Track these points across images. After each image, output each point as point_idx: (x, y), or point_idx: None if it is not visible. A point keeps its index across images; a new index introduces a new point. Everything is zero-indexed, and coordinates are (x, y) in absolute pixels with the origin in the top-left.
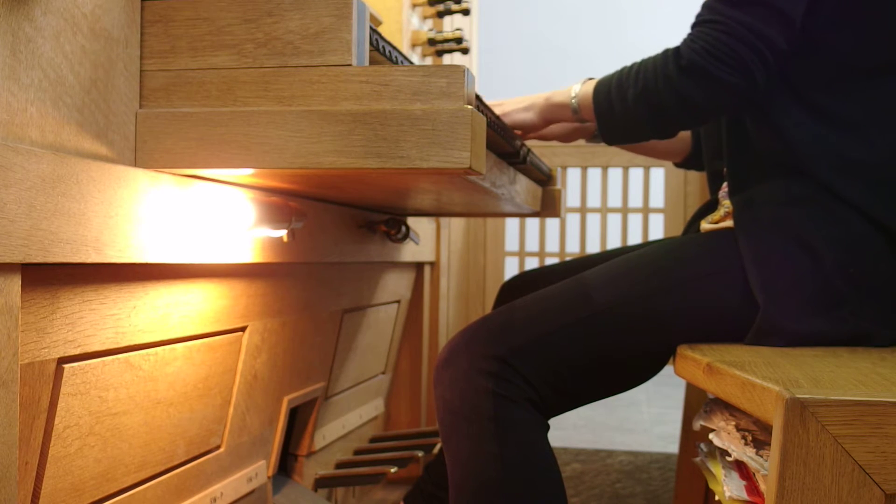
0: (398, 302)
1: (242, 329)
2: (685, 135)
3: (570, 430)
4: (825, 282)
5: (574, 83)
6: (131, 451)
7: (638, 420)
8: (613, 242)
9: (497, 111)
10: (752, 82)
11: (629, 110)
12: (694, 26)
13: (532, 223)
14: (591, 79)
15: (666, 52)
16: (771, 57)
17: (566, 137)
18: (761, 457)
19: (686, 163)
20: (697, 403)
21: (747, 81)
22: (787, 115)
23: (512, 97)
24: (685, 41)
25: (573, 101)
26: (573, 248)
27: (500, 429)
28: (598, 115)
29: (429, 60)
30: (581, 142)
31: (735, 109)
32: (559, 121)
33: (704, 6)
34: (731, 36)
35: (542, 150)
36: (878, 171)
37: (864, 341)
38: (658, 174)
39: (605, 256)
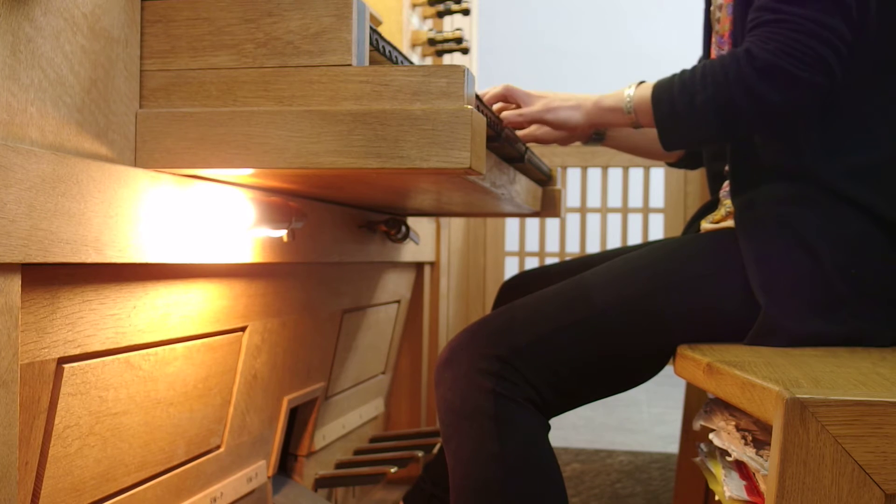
0: (398, 302)
1: (242, 329)
2: None
3: (570, 430)
4: (826, 283)
5: (625, 87)
6: (131, 451)
7: (638, 420)
8: (613, 242)
9: (541, 104)
10: (832, 78)
11: (697, 114)
12: (755, 28)
13: (532, 223)
14: (642, 82)
15: (734, 54)
16: (844, 49)
17: (565, 140)
18: (761, 457)
19: (680, 163)
20: (697, 403)
21: (828, 78)
22: None
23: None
24: (755, 43)
25: (628, 104)
26: (573, 248)
27: (501, 428)
28: (658, 119)
29: (429, 60)
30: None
31: (811, 109)
32: (607, 125)
33: (760, 8)
34: (803, 33)
35: (542, 151)
36: (885, 170)
37: (864, 342)
38: (658, 174)
39: (605, 256)
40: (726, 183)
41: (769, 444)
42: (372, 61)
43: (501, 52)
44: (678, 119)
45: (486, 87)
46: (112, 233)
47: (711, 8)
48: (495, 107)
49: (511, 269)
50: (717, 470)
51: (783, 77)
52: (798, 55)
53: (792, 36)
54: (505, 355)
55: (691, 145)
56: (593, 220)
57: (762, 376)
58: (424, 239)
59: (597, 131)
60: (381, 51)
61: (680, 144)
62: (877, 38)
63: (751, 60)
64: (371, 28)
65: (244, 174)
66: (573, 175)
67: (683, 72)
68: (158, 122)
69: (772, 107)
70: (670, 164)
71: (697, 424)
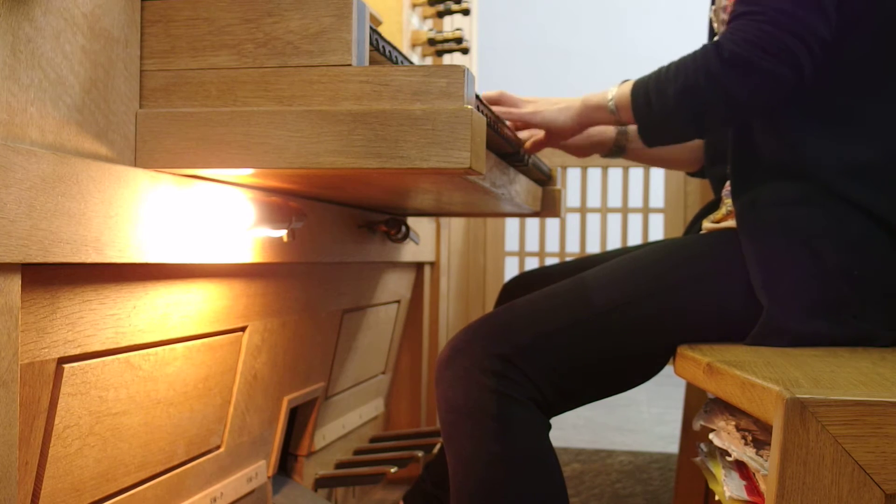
0: (398, 302)
1: (242, 329)
2: (698, 143)
3: (570, 430)
4: (828, 284)
5: (610, 86)
6: (131, 451)
7: (638, 420)
8: (613, 242)
9: (529, 108)
10: (800, 73)
11: (669, 109)
12: (731, 21)
13: (532, 223)
14: (626, 81)
15: (705, 46)
16: (817, 47)
17: (583, 151)
18: (761, 457)
19: (702, 172)
20: (697, 403)
21: (795, 72)
22: (796, 115)
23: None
24: (725, 35)
25: (610, 102)
26: (573, 248)
27: (503, 428)
28: (636, 114)
29: (429, 60)
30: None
31: (779, 104)
32: (595, 124)
33: (741, 1)
34: (776, 26)
35: (542, 151)
36: (888, 171)
37: (865, 343)
38: (658, 174)
39: (608, 257)
40: (728, 182)
41: (769, 444)
42: (372, 61)
43: (501, 52)
44: (653, 113)
45: (485, 87)
46: (112, 233)
47: (714, 8)
48: None
49: (511, 269)
50: (717, 470)
51: (748, 69)
52: (765, 46)
53: (763, 28)
54: (507, 354)
55: (669, 139)
56: (593, 220)
57: (762, 376)
58: (424, 239)
59: (617, 144)
60: (381, 51)
61: (659, 139)
62: (879, 39)
63: (718, 52)
64: (371, 28)
65: (244, 174)
66: (573, 175)
67: (661, 67)
68: (158, 122)
69: (737, 98)
70: (691, 174)
71: (697, 424)
